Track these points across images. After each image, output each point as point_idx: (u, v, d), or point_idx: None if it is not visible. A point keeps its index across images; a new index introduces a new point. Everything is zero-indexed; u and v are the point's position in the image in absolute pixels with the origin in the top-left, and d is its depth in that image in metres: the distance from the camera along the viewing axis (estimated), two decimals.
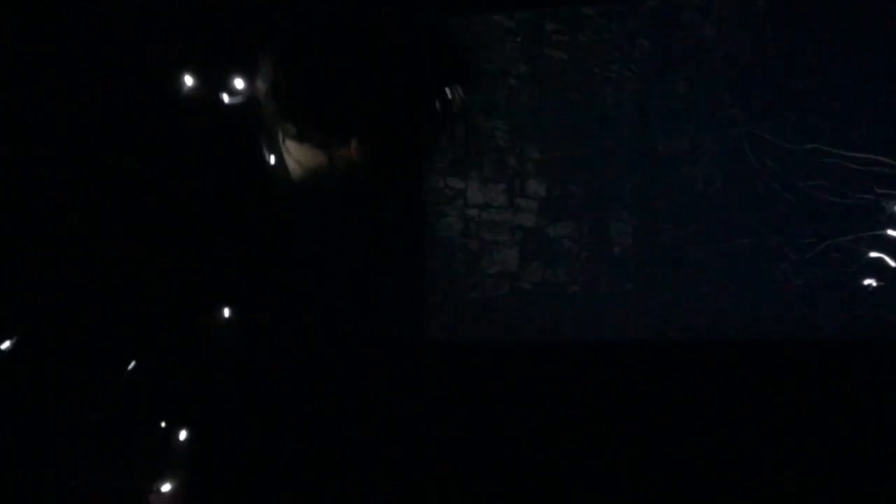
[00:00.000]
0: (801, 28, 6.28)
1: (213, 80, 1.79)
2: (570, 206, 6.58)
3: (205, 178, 1.71)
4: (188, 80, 1.81)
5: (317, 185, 1.90)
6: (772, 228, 6.23)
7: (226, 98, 1.80)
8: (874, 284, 5.67)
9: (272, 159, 1.80)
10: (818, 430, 5.01)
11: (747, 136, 6.34)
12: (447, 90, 1.74)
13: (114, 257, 1.75)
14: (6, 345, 1.71)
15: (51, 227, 1.77)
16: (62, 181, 1.79)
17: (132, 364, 1.76)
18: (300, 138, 1.78)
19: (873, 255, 5.43)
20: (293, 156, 1.81)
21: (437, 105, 1.74)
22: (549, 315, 6.43)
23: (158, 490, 1.82)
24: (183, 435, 1.88)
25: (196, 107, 1.80)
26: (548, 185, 6.64)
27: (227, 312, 1.90)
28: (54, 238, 1.78)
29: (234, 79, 1.81)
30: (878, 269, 5.62)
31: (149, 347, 1.81)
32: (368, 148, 1.77)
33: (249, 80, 1.80)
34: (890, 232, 5.71)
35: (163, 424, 1.87)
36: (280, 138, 1.80)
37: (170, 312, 1.81)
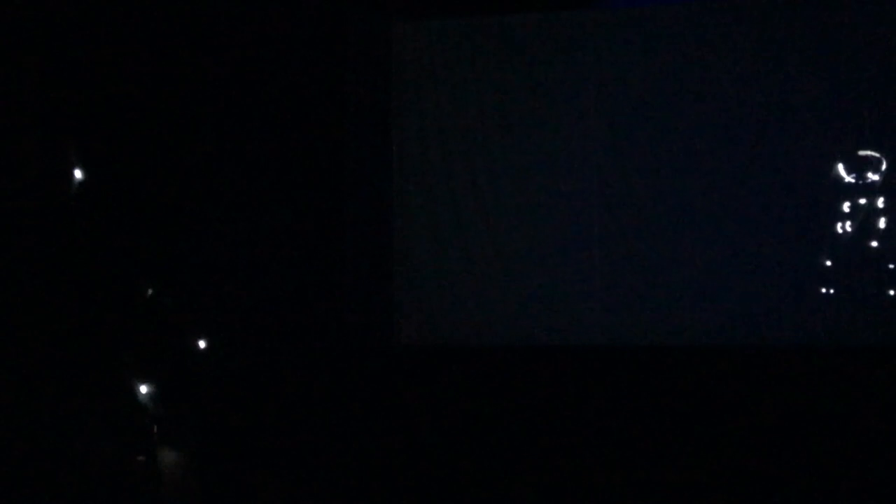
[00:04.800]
0: (763, 35, 6.40)
1: None
2: (540, 211, 6.64)
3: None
4: None
5: None
6: (743, 235, 6.33)
7: None
8: (832, 291, 5.77)
9: None
10: (803, 431, 5.12)
11: (715, 142, 6.44)
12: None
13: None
14: None
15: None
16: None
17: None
18: None
19: (829, 263, 5.53)
20: None
21: None
22: (519, 320, 6.49)
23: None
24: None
25: None
26: (517, 191, 6.70)
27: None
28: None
29: None
30: (830, 276, 5.73)
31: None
32: None
33: None
34: (846, 235, 5.79)
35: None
36: None
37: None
